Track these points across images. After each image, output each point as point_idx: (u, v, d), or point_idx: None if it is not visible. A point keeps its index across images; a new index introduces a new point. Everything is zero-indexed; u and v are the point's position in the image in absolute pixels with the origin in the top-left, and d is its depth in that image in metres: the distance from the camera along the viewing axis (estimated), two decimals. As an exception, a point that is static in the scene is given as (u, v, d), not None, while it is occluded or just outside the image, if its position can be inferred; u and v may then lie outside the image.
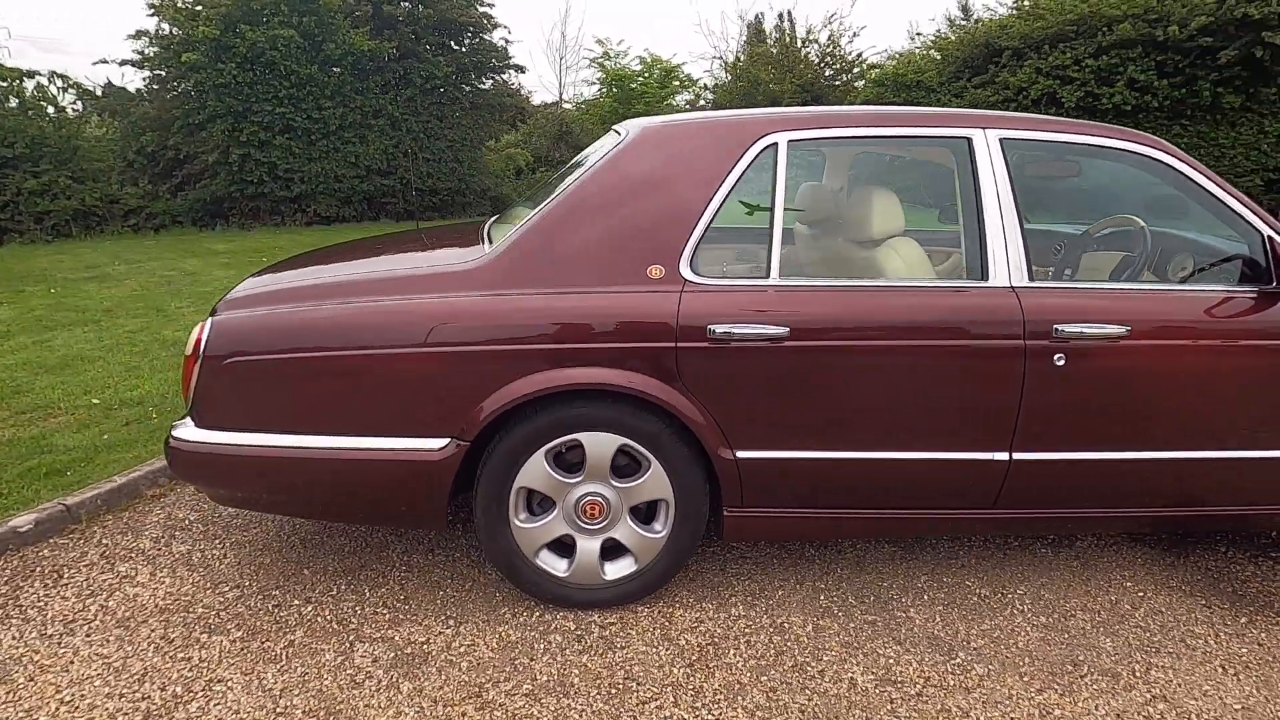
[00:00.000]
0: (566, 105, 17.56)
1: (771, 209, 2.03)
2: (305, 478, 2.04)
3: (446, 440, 1.99)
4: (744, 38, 20.28)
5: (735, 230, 2.58)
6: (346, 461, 2.00)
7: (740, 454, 2.03)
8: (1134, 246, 2.46)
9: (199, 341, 2.01)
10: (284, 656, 1.97)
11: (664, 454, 2.03)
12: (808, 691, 1.87)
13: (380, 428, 1.99)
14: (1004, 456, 2.07)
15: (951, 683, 1.91)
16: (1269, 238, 2.11)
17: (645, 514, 2.15)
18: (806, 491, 2.09)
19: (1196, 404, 2.07)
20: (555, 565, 2.14)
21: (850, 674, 1.93)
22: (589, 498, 2.07)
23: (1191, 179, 2.13)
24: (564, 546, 2.15)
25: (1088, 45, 11.54)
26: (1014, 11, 12.90)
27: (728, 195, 2.02)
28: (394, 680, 1.89)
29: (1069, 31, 11.72)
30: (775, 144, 2.05)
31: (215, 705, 1.80)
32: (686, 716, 1.78)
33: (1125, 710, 1.82)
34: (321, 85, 11.20)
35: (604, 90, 17.39)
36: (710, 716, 1.79)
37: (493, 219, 2.75)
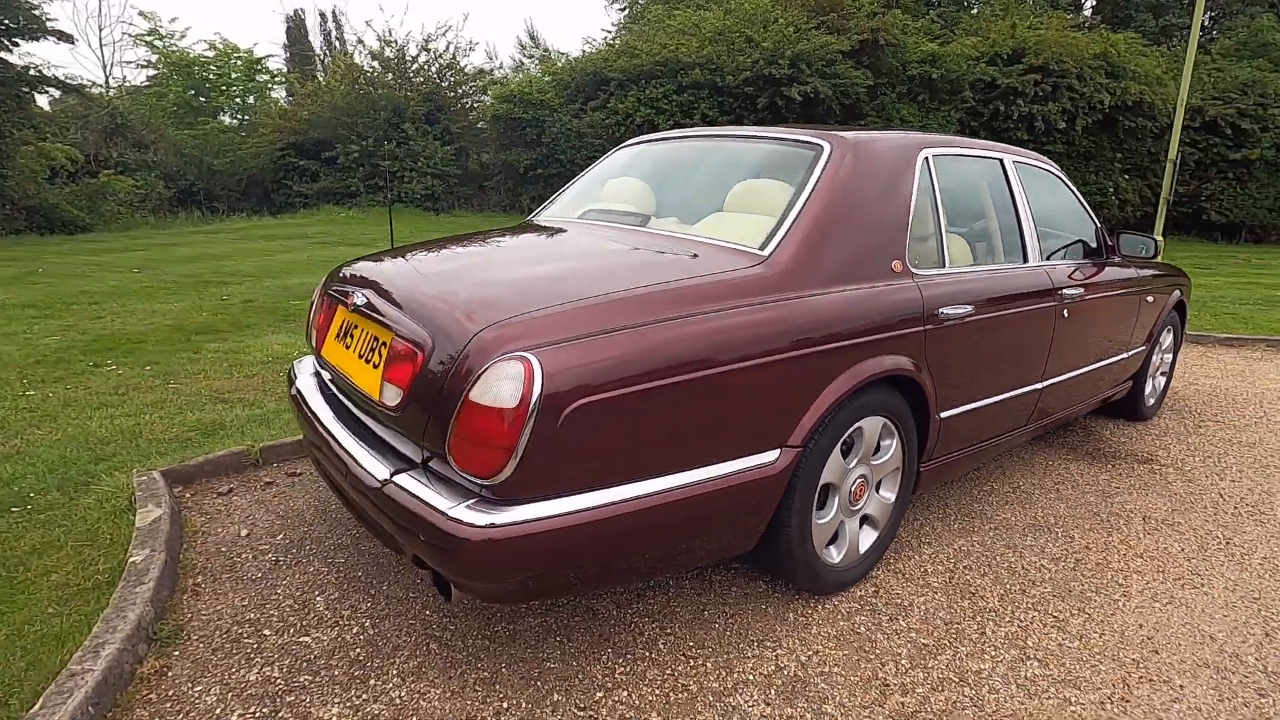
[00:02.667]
0: (114, 90, 13.72)
1: (935, 210, 2.46)
2: (650, 526, 1.71)
3: (777, 451, 1.91)
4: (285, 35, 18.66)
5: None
6: (697, 497, 1.76)
7: (942, 414, 2.42)
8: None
9: (529, 385, 1.51)
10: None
11: (905, 426, 2.30)
12: (1038, 582, 2.40)
13: (720, 452, 1.81)
14: (1039, 385, 2.90)
15: (1075, 547, 2.66)
16: (1099, 228, 3.39)
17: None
18: (965, 437, 2.60)
19: (1099, 333, 3.23)
20: (831, 556, 2.22)
21: (1035, 562, 2.53)
22: (859, 480, 2.22)
23: (1069, 186, 3.29)
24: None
25: (673, 83, 14.16)
26: (611, 46, 14.94)
27: (916, 198, 2.37)
28: (809, 706, 1.78)
29: (658, 70, 14.17)
30: (927, 157, 2.48)
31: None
32: (1017, 629, 2.14)
33: (1130, 536, 2.82)
34: None
35: (164, 76, 14.26)
36: (1025, 619, 2.19)
37: (639, 220, 2.47)
